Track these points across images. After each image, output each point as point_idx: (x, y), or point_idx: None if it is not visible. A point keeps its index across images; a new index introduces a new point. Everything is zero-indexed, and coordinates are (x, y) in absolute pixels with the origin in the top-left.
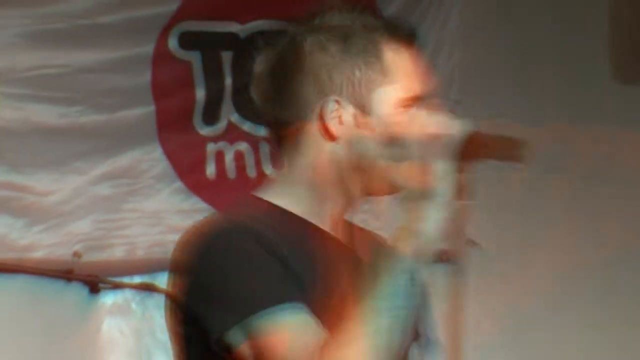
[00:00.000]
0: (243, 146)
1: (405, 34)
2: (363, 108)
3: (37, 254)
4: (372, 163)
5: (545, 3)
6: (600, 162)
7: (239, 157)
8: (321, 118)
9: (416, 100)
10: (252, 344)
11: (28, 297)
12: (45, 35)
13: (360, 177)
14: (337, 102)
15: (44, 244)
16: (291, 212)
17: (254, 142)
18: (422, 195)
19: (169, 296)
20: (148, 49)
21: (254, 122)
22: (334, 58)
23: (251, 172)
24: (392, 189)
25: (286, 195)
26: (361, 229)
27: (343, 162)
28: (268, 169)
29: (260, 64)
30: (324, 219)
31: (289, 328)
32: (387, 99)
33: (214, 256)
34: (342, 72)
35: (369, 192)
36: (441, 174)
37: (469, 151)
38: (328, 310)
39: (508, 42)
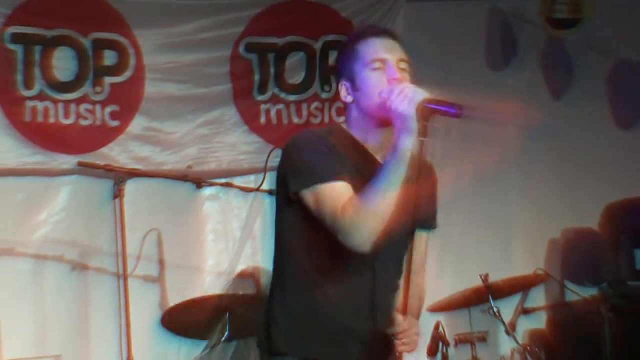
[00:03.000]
0: (281, 106)
1: (372, 29)
2: (352, 81)
3: (167, 167)
4: (372, 108)
5: (445, 25)
6: (476, 124)
7: (278, 113)
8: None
9: (379, 61)
10: (314, 198)
11: (162, 191)
12: (170, 45)
13: (369, 117)
14: (343, 84)
15: (171, 161)
16: (347, 130)
17: (287, 104)
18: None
19: (279, 169)
20: (227, 52)
21: (287, 93)
22: (336, 62)
23: (285, 121)
24: (387, 120)
25: (347, 123)
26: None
27: (359, 111)
28: (295, 119)
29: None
30: (366, 138)
31: (335, 191)
32: (364, 72)
33: (298, 146)
34: (342, 67)
35: (380, 125)
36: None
37: (427, 108)
38: (356, 185)
39: (430, 50)
